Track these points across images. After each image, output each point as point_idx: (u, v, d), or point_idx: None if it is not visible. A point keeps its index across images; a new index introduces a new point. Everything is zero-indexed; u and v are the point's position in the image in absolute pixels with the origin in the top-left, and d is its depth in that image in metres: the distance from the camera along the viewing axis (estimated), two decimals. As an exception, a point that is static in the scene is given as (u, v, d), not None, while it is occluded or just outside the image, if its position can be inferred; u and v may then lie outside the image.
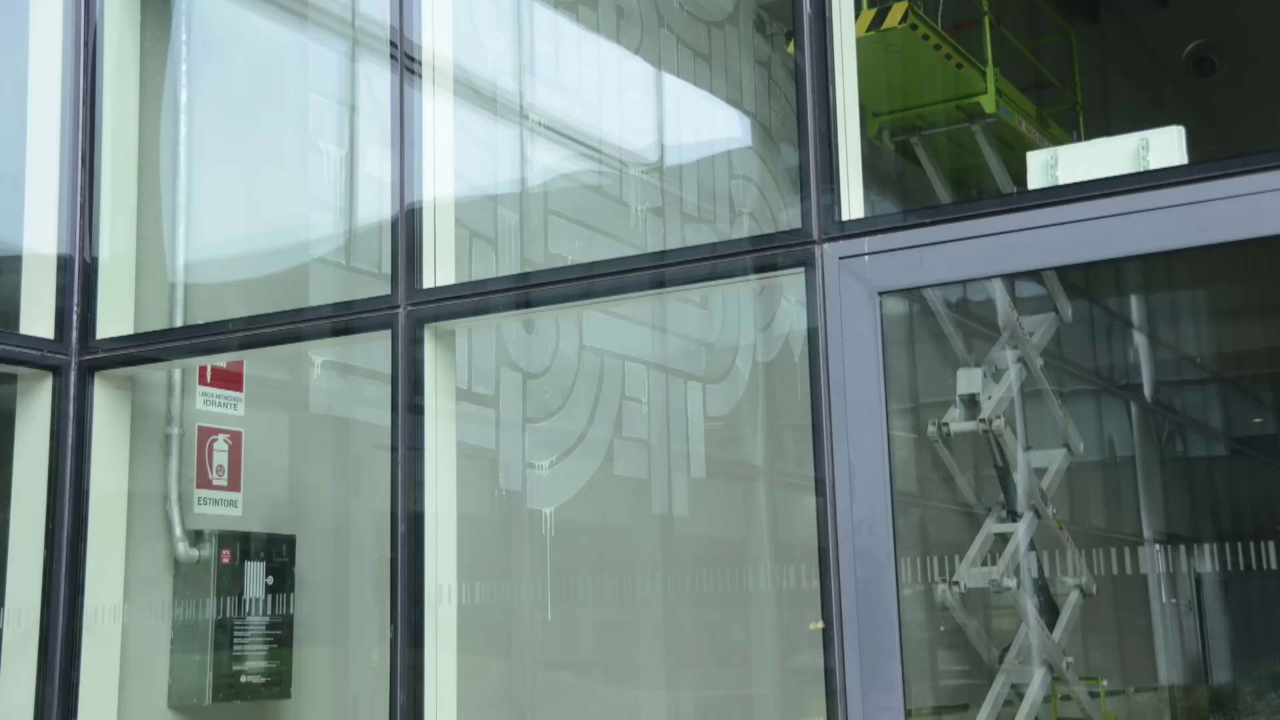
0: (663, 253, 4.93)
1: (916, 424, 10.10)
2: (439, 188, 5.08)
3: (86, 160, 5.65)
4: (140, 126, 5.91)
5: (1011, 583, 9.60)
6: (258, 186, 6.49)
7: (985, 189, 10.49)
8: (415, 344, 4.84)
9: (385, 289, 5.03)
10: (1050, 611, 10.35)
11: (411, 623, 4.61)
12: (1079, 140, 10.99)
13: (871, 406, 4.13)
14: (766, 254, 4.35)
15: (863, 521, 4.08)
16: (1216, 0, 12.14)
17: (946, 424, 10.08)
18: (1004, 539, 10.09)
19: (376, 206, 5.95)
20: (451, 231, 5.09)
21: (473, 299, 4.83)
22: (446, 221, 5.09)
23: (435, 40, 5.30)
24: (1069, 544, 10.67)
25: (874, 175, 9.60)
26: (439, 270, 4.94)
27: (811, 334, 4.17)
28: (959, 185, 10.58)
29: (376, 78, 5.91)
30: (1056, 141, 10.68)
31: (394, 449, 4.79)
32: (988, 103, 9.72)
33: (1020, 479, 10.28)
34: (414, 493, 4.74)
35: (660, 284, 4.55)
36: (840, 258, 4.18)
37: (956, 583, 9.64)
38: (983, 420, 9.96)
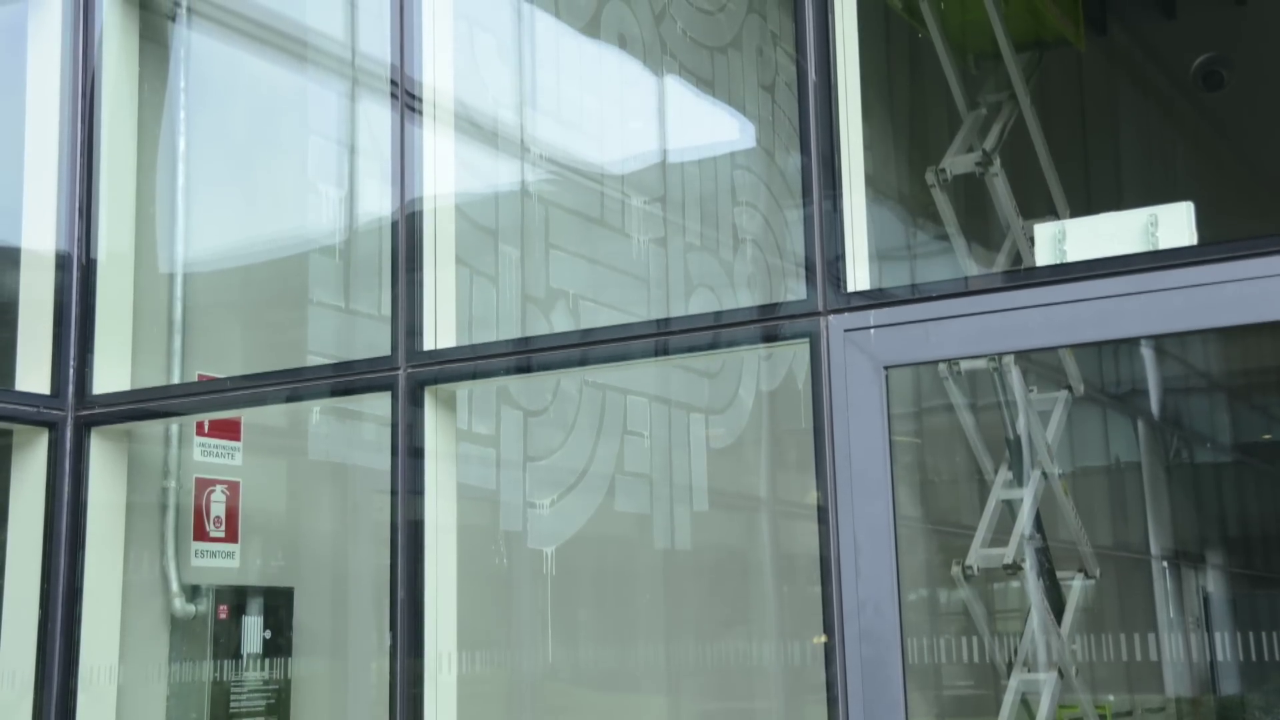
0: (667, 320, 4.88)
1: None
2: (440, 241, 5.03)
3: (84, 209, 5.60)
4: (138, 174, 5.85)
5: (1024, 562, 9.21)
6: (256, 229, 6.43)
7: (985, 53, 10.13)
8: (415, 405, 4.79)
9: (385, 331, 4.98)
10: (1056, 600, 10.00)
11: (411, 697, 4.56)
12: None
13: (877, 482, 4.07)
14: (770, 324, 4.31)
15: (868, 599, 4.02)
16: (1225, 14, 12.05)
17: (958, 361, 9.73)
18: (1012, 512, 9.69)
19: (375, 249, 5.89)
20: (452, 287, 5.03)
21: (473, 362, 4.78)
22: (447, 277, 5.03)
23: (436, 77, 5.24)
24: (1073, 513, 10.25)
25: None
26: (439, 330, 4.88)
27: (816, 408, 4.12)
28: (962, 49, 10.21)
29: (376, 118, 5.85)
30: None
31: (394, 510, 4.74)
32: None
33: (1022, 427, 9.89)
34: (413, 554, 4.70)
35: (664, 351, 4.50)
36: (845, 330, 4.12)
37: (969, 567, 9.31)
38: (993, 358, 9.60)
